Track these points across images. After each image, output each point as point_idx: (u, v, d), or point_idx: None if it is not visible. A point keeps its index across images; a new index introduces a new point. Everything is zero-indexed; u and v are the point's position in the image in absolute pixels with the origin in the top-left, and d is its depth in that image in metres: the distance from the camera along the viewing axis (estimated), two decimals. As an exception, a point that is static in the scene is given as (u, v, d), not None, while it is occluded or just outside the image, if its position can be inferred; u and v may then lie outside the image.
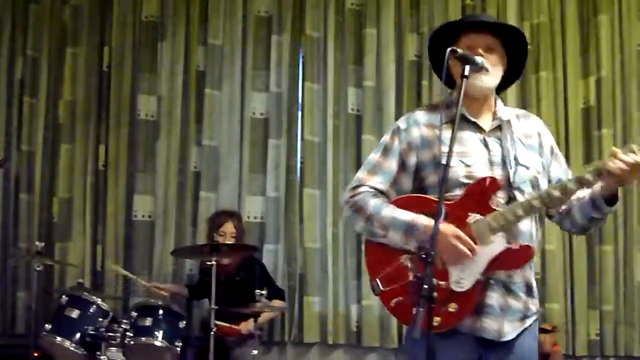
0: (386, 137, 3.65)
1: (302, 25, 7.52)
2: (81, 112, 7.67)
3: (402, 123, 3.63)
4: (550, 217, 3.62)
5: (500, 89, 3.66)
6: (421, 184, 3.53)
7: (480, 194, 3.33)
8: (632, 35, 6.92)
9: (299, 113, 7.47)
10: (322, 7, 7.54)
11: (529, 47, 3.69)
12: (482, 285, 3.33)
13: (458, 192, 3.36)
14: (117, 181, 7.55)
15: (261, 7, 7.62)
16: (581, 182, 3.28)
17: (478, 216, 3.31)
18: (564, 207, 3.51)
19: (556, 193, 3.29)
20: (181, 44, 7.61)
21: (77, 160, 7.60)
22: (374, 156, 3.63)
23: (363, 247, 3.76)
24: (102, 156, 7.59)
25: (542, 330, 5.70)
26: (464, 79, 3.20)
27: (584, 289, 6.82)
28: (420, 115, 3.56)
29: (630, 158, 3.19)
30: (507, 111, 3.59)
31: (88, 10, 7.77)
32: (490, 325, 3.36)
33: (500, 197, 3.36)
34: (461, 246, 3.25)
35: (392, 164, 3.56)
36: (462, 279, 3.30)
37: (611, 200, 3.37)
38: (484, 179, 3.35)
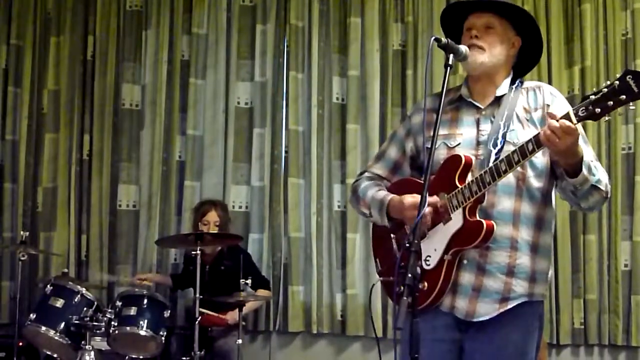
0: (399, 125, 3.88)
1: (286, 14, 7.49)
2: (65, 101, 7.67)
3: (411, 110, 3.82)
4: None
5: (524, 69, 3.65)
6: (420, 168, 3.61)
7: (447, 173, 3.34)
8: (616, 24, 6.89)
9: (284, 102, 7.44)
10: (307, -4, 7.53)
11: None
12: (455, 265, 3.32)
13: None
14: (102, 170, 7.56)
15: (246, -4, 7.63)
16: (521, 152, 3.13)
17: (446, 195, 3.33)
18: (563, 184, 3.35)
19: (502, 166, 3.17)
20: (165, 33, 7.61)
21: (61, 150, 7.62)
22: (384, 144, 3.88)
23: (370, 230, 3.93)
24: (87, 145, 7.61)
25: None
26: (448, 68, 3.18)
27: (568, 278, 6.81)
28: (428, 101, 3.53)
29: (558, 123, 3.03)
30: (513, 86, 3.50)
31: (72, -2, 7.77)
32: (460, 305, 3.36)
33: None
34: (407, 206, 3.37)
35: (393, 151, 3.77)
36: (430, 256, 3.33)
37: (571, 172, 3.19)
38: (448, 158, 3.39)
